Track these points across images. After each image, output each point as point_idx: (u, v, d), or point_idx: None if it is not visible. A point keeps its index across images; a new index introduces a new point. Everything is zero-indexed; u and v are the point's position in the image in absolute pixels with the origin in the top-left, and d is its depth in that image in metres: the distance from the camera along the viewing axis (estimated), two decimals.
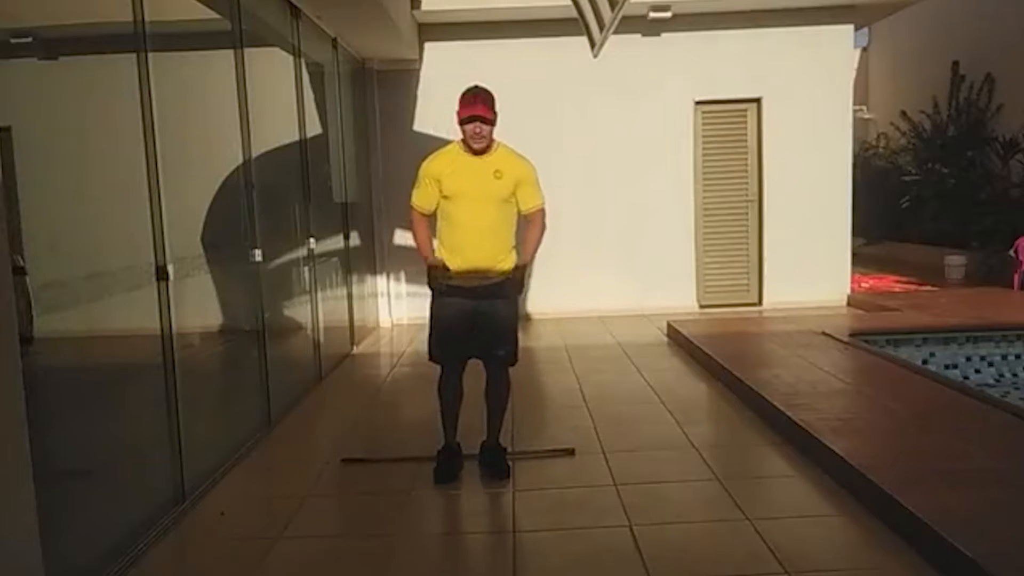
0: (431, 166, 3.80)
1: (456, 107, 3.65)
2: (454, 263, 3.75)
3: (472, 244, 3.72)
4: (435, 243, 3.87)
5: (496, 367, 3.93)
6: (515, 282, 3.83)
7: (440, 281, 3.80)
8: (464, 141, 3.70)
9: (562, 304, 8.50)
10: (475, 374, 3.94)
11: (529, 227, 3.87)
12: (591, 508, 3.49)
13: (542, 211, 3.87)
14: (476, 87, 3.70)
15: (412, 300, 8.32)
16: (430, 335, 3.89)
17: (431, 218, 3.87)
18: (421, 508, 3.65)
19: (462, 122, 3.64)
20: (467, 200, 3.70)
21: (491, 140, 3.72)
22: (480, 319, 3.79)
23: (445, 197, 3.74)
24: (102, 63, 3.43)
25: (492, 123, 3.66)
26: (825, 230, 8.54)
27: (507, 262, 3.79)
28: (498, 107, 3.69)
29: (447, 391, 3.94)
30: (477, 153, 3.70)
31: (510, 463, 3.96)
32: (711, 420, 4.97)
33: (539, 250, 3.94)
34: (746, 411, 4.81)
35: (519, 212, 3.83)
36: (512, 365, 3.95)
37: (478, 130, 3.62)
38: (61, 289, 2.95)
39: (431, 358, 3.92)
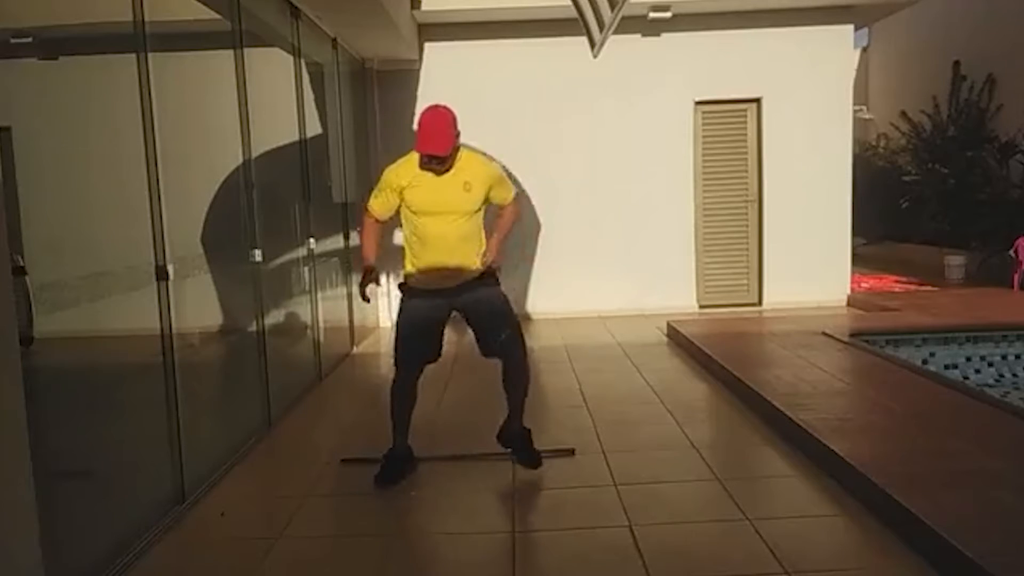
0: (394, 176, 3.70)
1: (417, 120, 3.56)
2: (424, 272, 3.72)
3: (441, 258, 3.68)
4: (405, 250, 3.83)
5: (507, 355, 3.81)
6: (488, 275, 3.80)
7: (411, 284, 3.77)
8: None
9: (562, 304, 8.47)
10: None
11: (502, 216, 3.89)
12: (591, 508, 3.49)
13: (515, 199, 3.92)
14: (432, 117, 3.52)
15: None
16: (396, 335, 3.80)
17: (385, 224, 3.87)
18: (420, 508, 3.65)
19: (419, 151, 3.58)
20: (436, 216, 3.65)
21: (453, 154, 3.60)
22: (466, 312, 3.77)
23: (412, 212, 3.68)
24: (102, 63, 3.43)
25: (449, 153, 3.55)
26: (825, 230, 8.54)
27: (478, 264, 3.76)
28: (459, 127, 3.59)
29: (401, 393, 3.87)
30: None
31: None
32: (711, 420, 4.96)
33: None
34: (746, 411, 4.81)
35: (493, 206, 3.83)
36: (523, 348, 3.81)
37: (435, 165, 3.58)
38: (61, 289, 2.94)
39: (395, 359, 3.83)
